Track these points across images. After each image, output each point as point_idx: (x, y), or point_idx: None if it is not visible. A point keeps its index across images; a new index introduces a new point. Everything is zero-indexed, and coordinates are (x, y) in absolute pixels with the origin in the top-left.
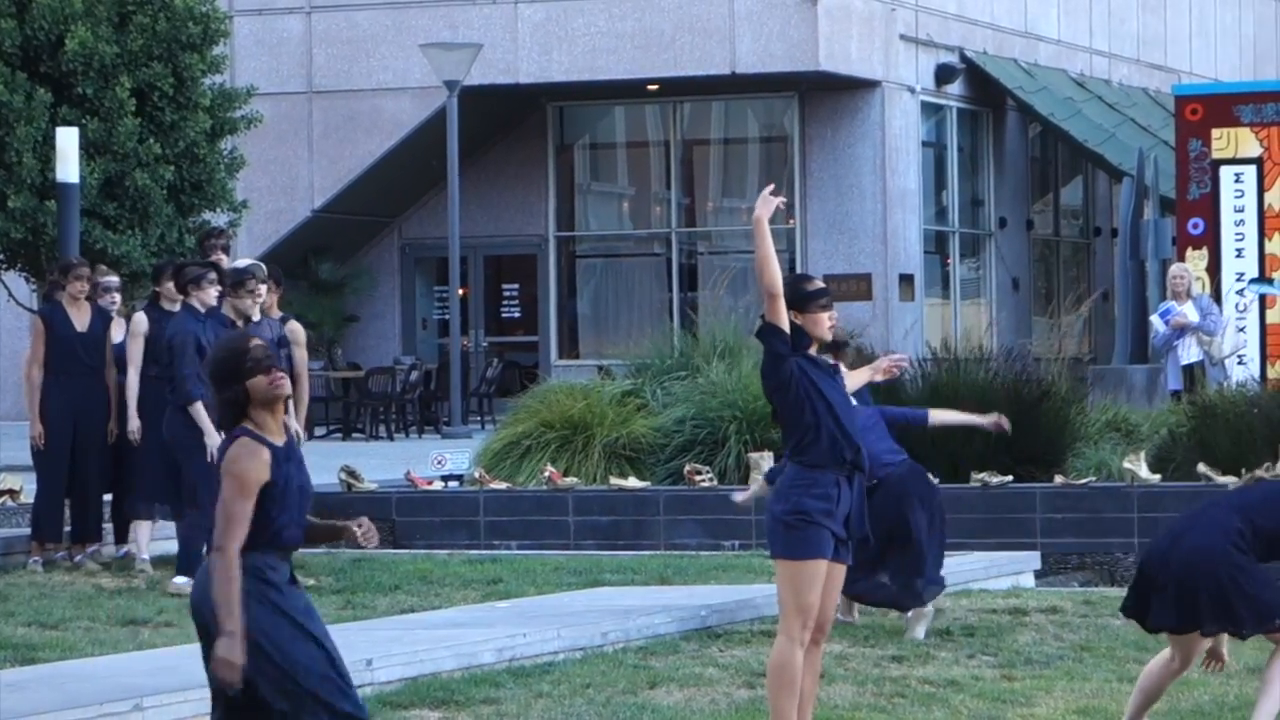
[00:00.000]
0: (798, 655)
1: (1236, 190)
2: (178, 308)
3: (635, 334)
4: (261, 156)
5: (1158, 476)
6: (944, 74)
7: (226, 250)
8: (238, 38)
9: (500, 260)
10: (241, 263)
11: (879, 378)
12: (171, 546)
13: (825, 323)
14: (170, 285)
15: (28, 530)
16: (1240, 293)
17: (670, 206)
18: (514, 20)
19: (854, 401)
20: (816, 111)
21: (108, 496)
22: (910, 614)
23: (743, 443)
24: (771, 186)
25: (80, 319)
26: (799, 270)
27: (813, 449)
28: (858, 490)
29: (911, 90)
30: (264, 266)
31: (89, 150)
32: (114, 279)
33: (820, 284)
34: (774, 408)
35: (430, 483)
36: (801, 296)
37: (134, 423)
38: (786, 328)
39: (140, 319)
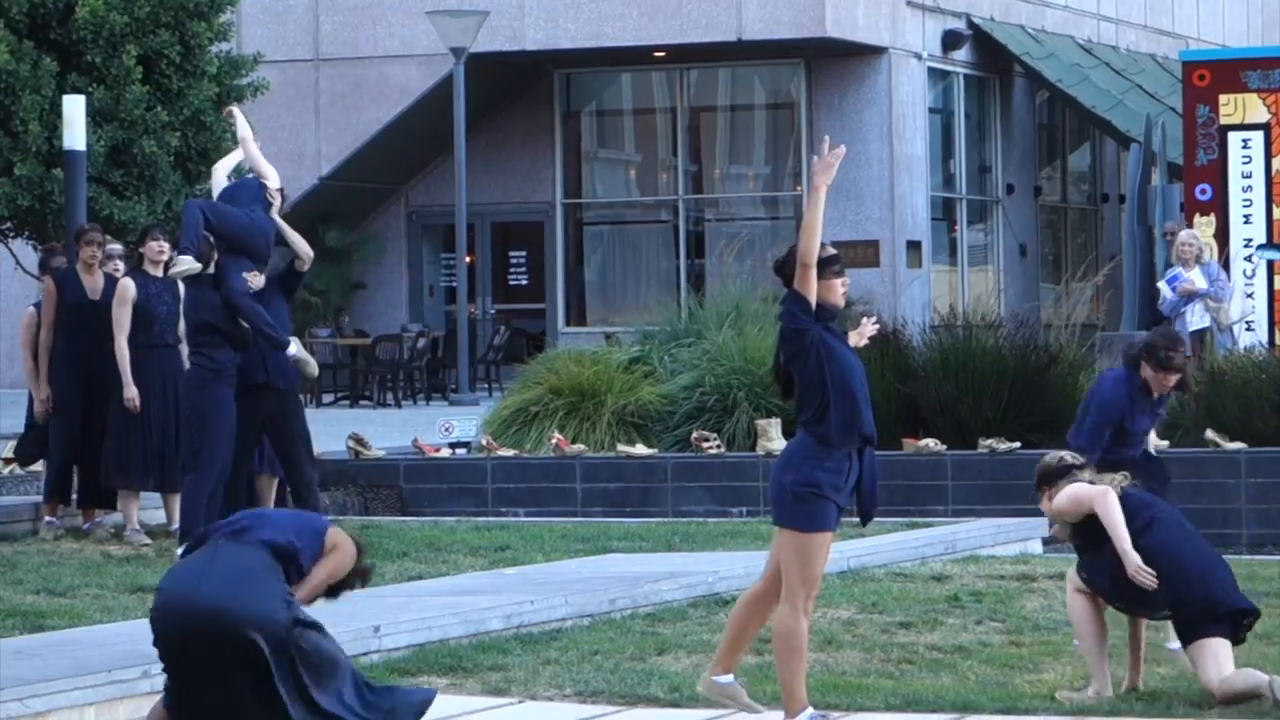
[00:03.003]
0: (802, 624)
1: (1244, 156)
2: (160, 272)
3: (642, 301)
4: (268, 124)
5: (1165, 443)
6: (951, 40)
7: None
8: (244, 5)
9: (507, 227)
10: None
11: (861, 342)
12: (158, 516)
13: (839, 289)
14: (153, 246)
15: (36, 498)
16: (1248, 259)
17: (677, 173)
18: None
19: None
20: (823, 78)
21: None
22: None
23: (751, 409)
24: (828, 146)
25: (93, 286)
26: None
27: (829, 421)
28: (869, 463)
29: (918, 56)
30: None
31: (96, 118)
32: (117, 246)
33: (833, 251)
34: (784, 382)
35: (438, 450)
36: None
37: (130, 390)
38: (814, 300)
39: (128, 284)
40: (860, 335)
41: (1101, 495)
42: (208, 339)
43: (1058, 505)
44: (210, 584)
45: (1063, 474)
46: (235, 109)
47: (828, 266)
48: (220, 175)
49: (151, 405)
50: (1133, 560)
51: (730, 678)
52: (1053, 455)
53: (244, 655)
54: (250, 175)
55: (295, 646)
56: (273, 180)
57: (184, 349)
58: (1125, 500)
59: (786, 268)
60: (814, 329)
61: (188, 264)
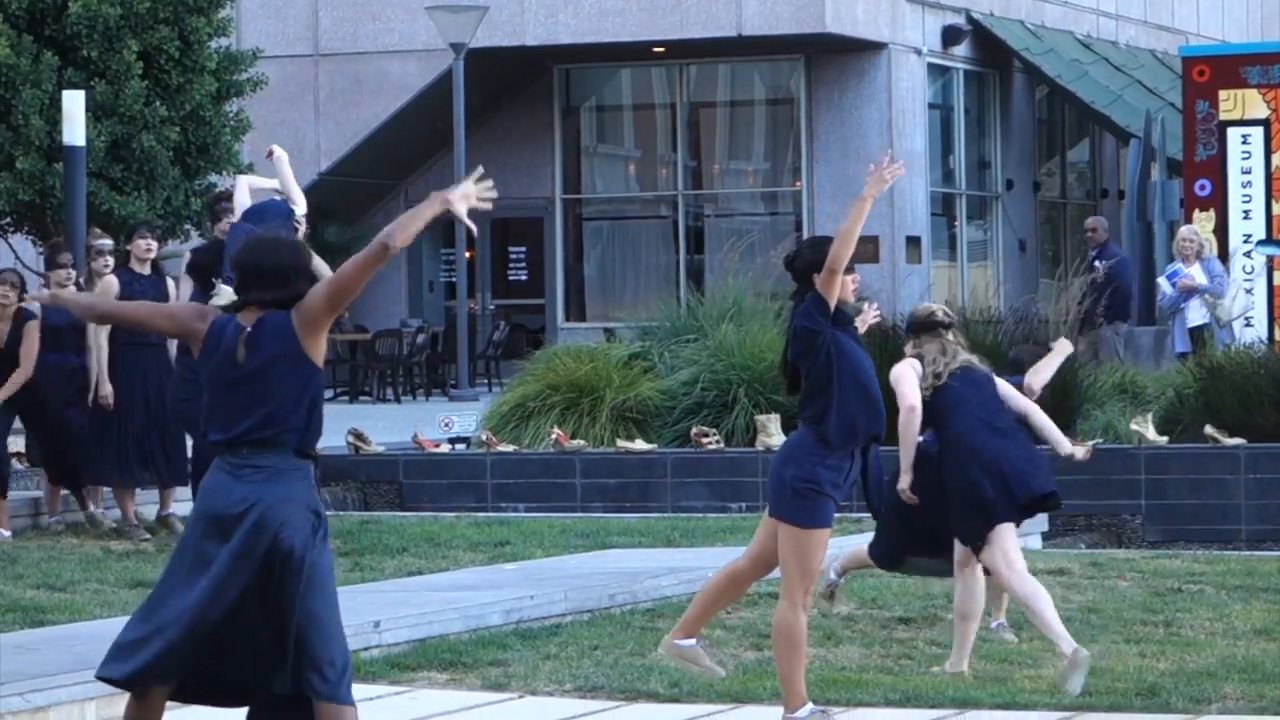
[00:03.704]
0: (801, 619)
1: (1244, 152)
2: (146, 269)
3: (642, 297)
4: (268, 119)
5: (1165, 438)
6: (951, 36)
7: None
8: (243, 0)
9: (507, 223)
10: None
11: (861, 329)
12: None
13: (849, 286)
14: (140, 244)
15: (37, 493)
16: (1248, 254)
17: (676, 169)
18: None
19: None
20: (823, 74)
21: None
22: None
23: (751, 405)
24: (888, 161)
25: None
26: (805, 234)
27: (829, 422)
28: (874, 460)
29: (918, 52)
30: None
31: (95, 113)
32: (107, 242)
33: None
34: (790, 377)
35: (437, 445)
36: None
37: (105, 388)
38: (833, 305)
39: (111, 282)
40: (862, 322)
41: (908, 409)
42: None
43: (890, 375)
44: (241, 489)
45: (928, 328)
46: (276, 148)
47: None
48: (244, 192)
49: (133, 403)
50: (905, 480)
51: (692, 641)
52: (925, 306)
53: (264, 552)
54: (279, 197)
55: (310, 563)
56: (301, 207)
57: (172, 345)
58: (947, 392)
59: (798, 263)
60: (828, 331)
61: (229, 296)
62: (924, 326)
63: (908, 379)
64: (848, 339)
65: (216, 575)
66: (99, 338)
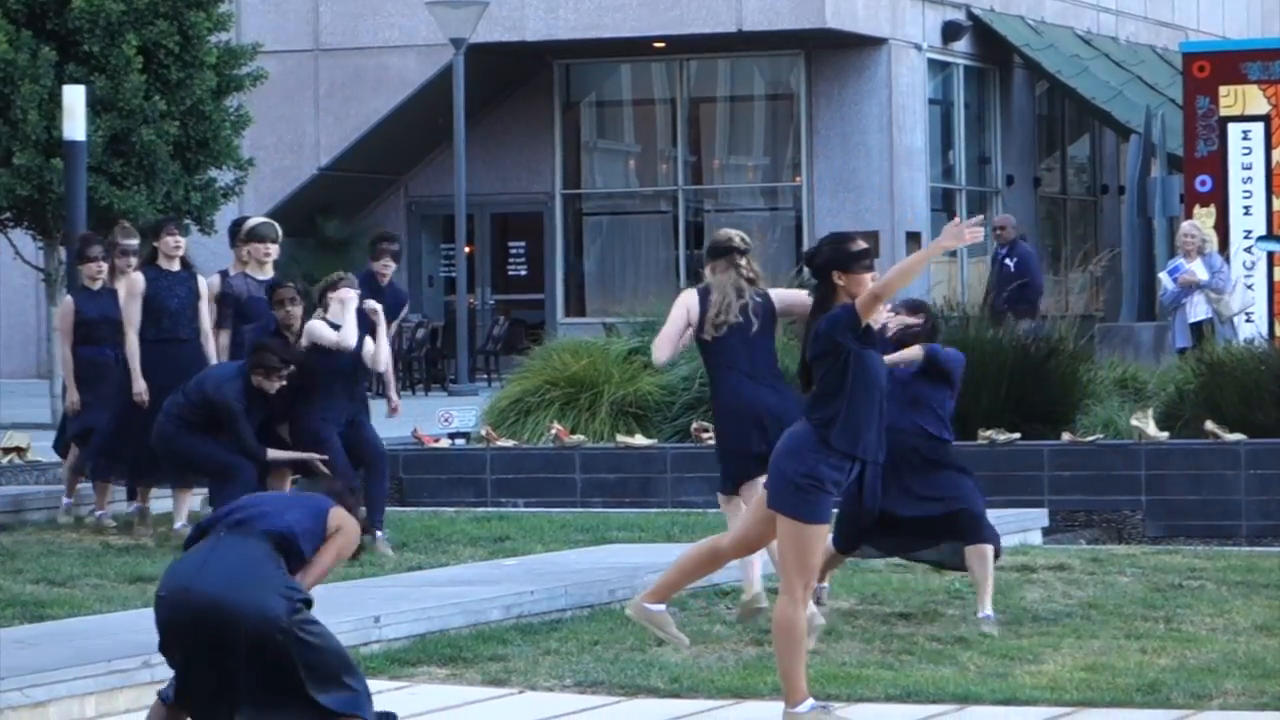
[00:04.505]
0: (801, 614)
1: (1244, 147)
2: (175, 266)
3: (642, 291)
4: (268, 114)
5: (1165, 434)
6: (951, 31)
7: (396, 258)
8: None
9: (507, 218)
10: (252, 221)
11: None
12: (160, 505)
13: (868, 283)
14: (169, 240)
15: (37, 488)
16: (1248, 250)
17: (676, 164)
18: None
19: None
20: (823, 69)
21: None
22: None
23: None
24: (978, 223)
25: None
26: (805, 230)
27: (835, 429)
28: (873, 470)
29: (918, 47)
30: (276, 225)
31: (95, 107)
32: (133, 241)
33: (863, 244)
34: (805, 376)
35: (437, 440)
36: (846, 256)
37: (139, 385)
38: (863, 326)
39: (137, 279)
40: (874, 322)
41: (660, 339)
42: (199, 409)
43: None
44: (209, 577)
45: (723, 253)
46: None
47: (859, 260)
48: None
49: (155, 401)
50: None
51: (662, 607)
52: (724, 231)
53: (241, 648)
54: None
55: (296, 640)
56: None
57: (210, 345)
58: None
59: (817, 260)
60: (853, 348)
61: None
62: (719, 252)
63: (678, 312)
64: (872, 358)
65: (207, 663)
66: (130, 334)
